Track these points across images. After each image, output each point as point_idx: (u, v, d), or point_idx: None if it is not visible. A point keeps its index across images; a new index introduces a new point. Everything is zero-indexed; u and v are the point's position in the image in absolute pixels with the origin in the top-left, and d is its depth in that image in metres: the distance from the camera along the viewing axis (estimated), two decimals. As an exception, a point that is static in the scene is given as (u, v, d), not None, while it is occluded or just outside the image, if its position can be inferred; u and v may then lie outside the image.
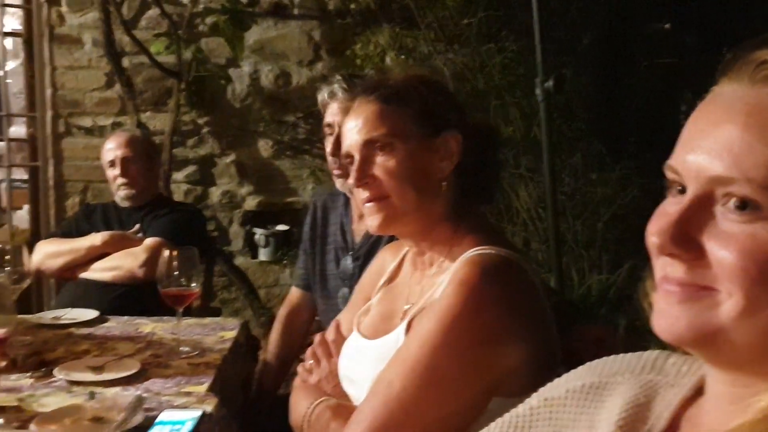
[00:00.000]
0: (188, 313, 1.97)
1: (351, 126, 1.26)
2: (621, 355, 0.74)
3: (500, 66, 3.86)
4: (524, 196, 3.68)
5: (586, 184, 3.81)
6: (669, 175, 0.61)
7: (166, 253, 1.75)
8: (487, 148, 1.30)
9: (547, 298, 1.18)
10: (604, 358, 0.75)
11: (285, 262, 4.16)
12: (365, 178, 1.22)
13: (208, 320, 2.14)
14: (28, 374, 1.55)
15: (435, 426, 1.05)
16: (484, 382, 1.06)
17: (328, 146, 1.91)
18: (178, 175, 3.95)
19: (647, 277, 0.65)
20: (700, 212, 0.57)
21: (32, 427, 1.21)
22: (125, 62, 3.78)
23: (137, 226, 2.60)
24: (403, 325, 1.18)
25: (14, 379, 1.51)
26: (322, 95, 1.94)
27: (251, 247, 4.18)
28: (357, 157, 1.24)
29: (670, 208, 0.59)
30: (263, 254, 4.17)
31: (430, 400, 1.04)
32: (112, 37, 3.64)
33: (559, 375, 0.79)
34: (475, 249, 1.14)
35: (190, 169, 4.02)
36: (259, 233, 4.14)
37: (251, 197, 4.15)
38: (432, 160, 1.23)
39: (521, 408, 0.78)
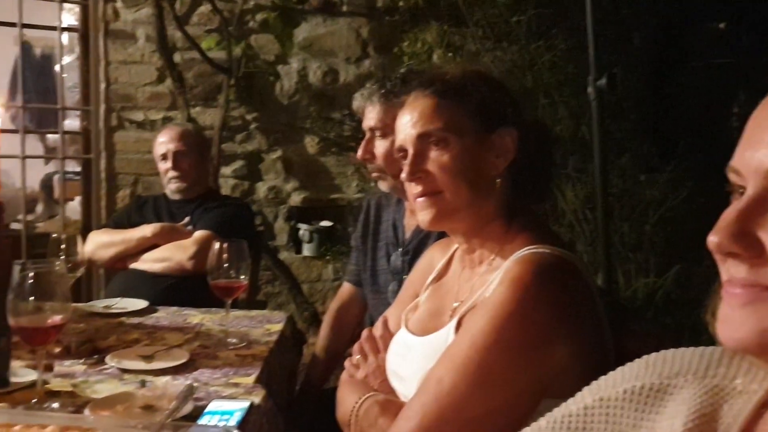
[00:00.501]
0: (235, 305, 1.99)
1: (405, 120, 1.25)
2: (681, 350, 0.70)
3: (549, 64, 3.82)
4: (571, 197, 3.63)
5: (634, 185, 3.75)
6: (731, 177, 0.59)
7: (217, 245, 1.77)
8: (542, 145, 1.28)
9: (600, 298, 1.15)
10: (663, 354, 0.71)
11: (328, 257, 4.19)
12: (418, 173, 1.21)
13: (254, 313, 2.16)
14: (82, 361, 1.58)
15: (484, 425, 1.04)
16: (534, 383, 1.05)
17: (359, 153, 1.89)
18: (226, 170, 4.01)
19: (713, 291, 0.62)
20: (760, 209, 0.55)
21: (86, 412, 1.23)
22: (177, 57, 3.84)
23: (187, 218, 2.64)
24: (453, 323, 1.17)
25: (68, 365, 1.55)
26: (357, 102, 1.93)
27: (295, 243, 4.22)
28: (410, 151, 1.23)
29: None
30: (307, 250, 4.20)
31: (479, 399, 1.03)
32: (164, 32, 3.70)
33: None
34: (528, 247, 1.13)
35: (238, 164, 4.07)
36: (304, 229, 4.18)
37: (296, 193, 4.18)
38: (487, 156, 1.21)
39: (574, 406, 0.74)
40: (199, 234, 2.51)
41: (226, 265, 1.77)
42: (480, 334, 1.05)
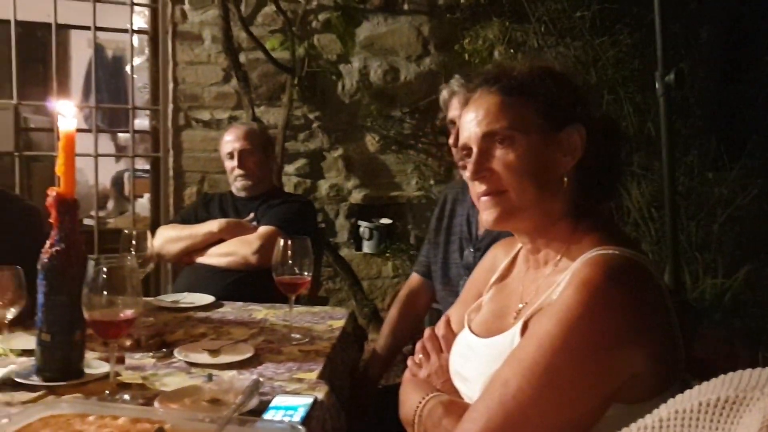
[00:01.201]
0: (298, 301, 2.02)
1: (470, 118, 1.23)
2: (759, 369, 0.69)
3: (614, 60, 3.75)
4: (636, 195, 3.56)
5: (701, 183, 3.64)
6: None
7: (281, 241, 1.80)
8: (610, 142, 1.25)
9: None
10: (740, 371, 0.70)
11: (388, 254, 4.21)
12: (482, 171, 1.19)
13: (317, 309, 2.19)
14: (151, 354, 1.62)
15: (550, 430, 1.02)
16: (604, 388, 1.02)
17: (451, 140, 1.93)
18: (289, 168, 4.06)
19: None
20: None
21: (155, 404, 1.26)
22: (242, 58, 3.91)
23: (251, 215, 2.69)
24: (519, 325, 1.15)
25: (138, 358, 1.59)
26: (443, 95, 1.98)
27: (356, 240, 4.25)
28: (475, 149, 1.21)
29: None
30: (367, 246, 4.23)
31: (546, 404, 1.01)
32: (230, 33, 3.77)
33: (683, 381, 0.74)
34: (597, 249, 1.10)
35: (301, 162, 4.12)
36: (364, 226, 4.20)
37: (357, 191, 4.21)
38: (554, 154, 1.18)
39: (649, 419, 0.73)
40: (263, 229, 2.55)
41: (290, 261, 1.79)
42: (547, 337, 1.02)
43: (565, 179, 1.19)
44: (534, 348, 1.03)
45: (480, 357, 1.21)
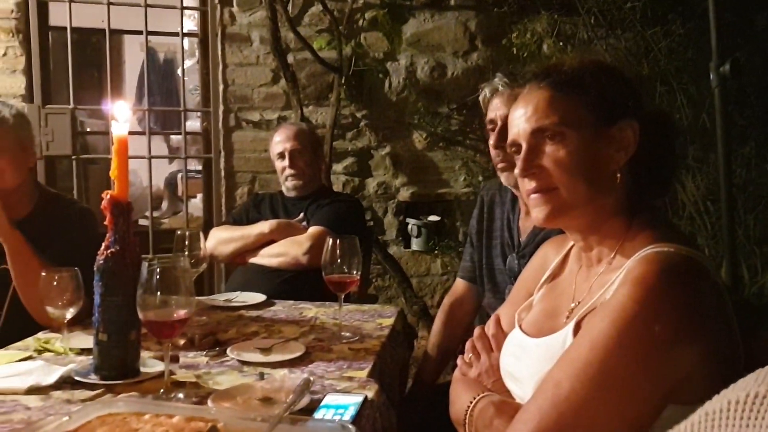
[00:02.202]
0: (347, 299, 2.04)
1: (519, 114, 1.21)
2: None
3: (666, 50, 3.66)
4: (691, 188, 3.47)
5: (760, 175, 3.53)
6: None
7: (330, 241, 1.81)
8: (665, 137, 1.21)
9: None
10: None
11: (436, 252, 4.20)
12: (532, 168, 1.17)
13: (366, 307, 2.20)
14: (204, 353, 1.65)
15: (604, 431, 1.00)
16: (659, 388, 0.99)
17: (492, 141, 1.91)
18: (337, 167, 4.09)
19: None
20: None
21: (209, 403, 1.28)
22: (290, 58, 3.95)
23: (301, 214, 2.72)
24: (571, 324, 1.13)
25: (192, 357, 1.62)
26: (484, 93, 1.95)
27: (404, 237, 4.25)
28: (524, 146, 1.19)
29: None
30: (415, 244, 4.22)
31: (600, 404, 0.99)
32: (278, 34, 3.81)
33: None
34: (651, 246, 1.07)
35: (349, 160, 4.14)
36: (412, 223, 4.20)
37: (405, 188, 4.21)
38: (606, 150, 1.15)
39: (683, 425, 0.72)
40: (313, 230, 2.57)
41: (339, 260, 1.80)
42: (601, 337, 1.00)
43: (618, 175, 1.16)
44: (587, 349, 1.01)
45: (531, 357, 1.20)
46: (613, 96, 1.17)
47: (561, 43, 3.92)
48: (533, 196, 1.19)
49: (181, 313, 1.32)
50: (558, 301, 1.27)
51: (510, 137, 1.24)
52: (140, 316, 1.32)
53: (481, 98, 1.98)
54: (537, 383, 1.09)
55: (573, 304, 1.20)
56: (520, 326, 1.30)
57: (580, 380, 0.99)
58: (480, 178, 4.13)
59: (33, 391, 1.38)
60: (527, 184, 1.19)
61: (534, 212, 1.20)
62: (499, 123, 1.86)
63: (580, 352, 1.02)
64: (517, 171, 1.20)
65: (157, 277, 1.29)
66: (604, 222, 1.18)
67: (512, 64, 3.83)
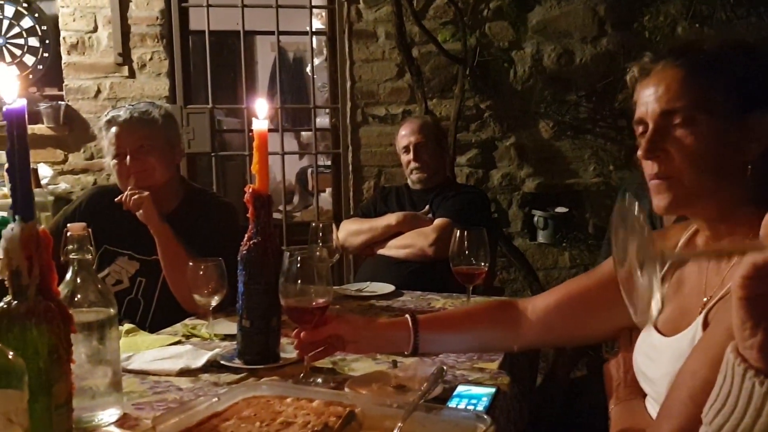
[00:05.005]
0: (473, 291, 2.04)
1: (649, 92, 1.15)
2: None
3: (819, 29, 3.39)
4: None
5: None
6: None
7: (458, 232, 1.83)
8: None
9: None
10: None
11: (564, 244, 4.10)
12: (656, 151, 1.11)
13: (494, 299, 2.19)
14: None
15: None
16: None
17: (640, 151, 1.83)
18: (461, 159, 4.08)
19: None
20: None
21: (346, 389, 1.33)
22: (414, 52, 3.97)
23: (427, 207, 2.75)
24: (700, 318, 1.08)
25: (327, 344, 1.69)
26: (632, 72, 1.86)
27: (530, 229, 4.19)
28: (651, 126, 1.13)
29: None
30: (542, 236, 4.14)
31: None
32: (403, 28, 3.84)
33: None
34: None
35: (472, 152, 4.12)
36: (538, 215, 4.13)
37: (530, 179, 4.14)
38: (739, 140, 1.07)
39: None
40: (438, 221, 2.60)
41: (466, 251, 1.81)
42: None
43: (749, 167, 1.08)
44: (723, 337, 0.96)
45: (665, 357, 1.15)
46: (754, 80, 1.09)
47: (697, 25, 3.72)
48: (654, 181, 1.13)
49: (320, 301, 1.38)
50: (689, 296, 1.20)
51: (637, 114, 1.18)
52: (282, 303, 1.39)
53: (628, 79, 1.89)
54: (669, 384, 1.05)
55: (705, 299, 1.14)
56: (654, 325, 1.24)
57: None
58: (611, 168, 3.99)
59: (184, 373, 1.48)
60: (650, 168, 1.14)
61: (655, 200, 1.14)
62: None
63: (715, 341, 0.97)
64: (640, 152, 1.14)
65: (298, 266, 1.36)
66: (733, 211, 1.11)
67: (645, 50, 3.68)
